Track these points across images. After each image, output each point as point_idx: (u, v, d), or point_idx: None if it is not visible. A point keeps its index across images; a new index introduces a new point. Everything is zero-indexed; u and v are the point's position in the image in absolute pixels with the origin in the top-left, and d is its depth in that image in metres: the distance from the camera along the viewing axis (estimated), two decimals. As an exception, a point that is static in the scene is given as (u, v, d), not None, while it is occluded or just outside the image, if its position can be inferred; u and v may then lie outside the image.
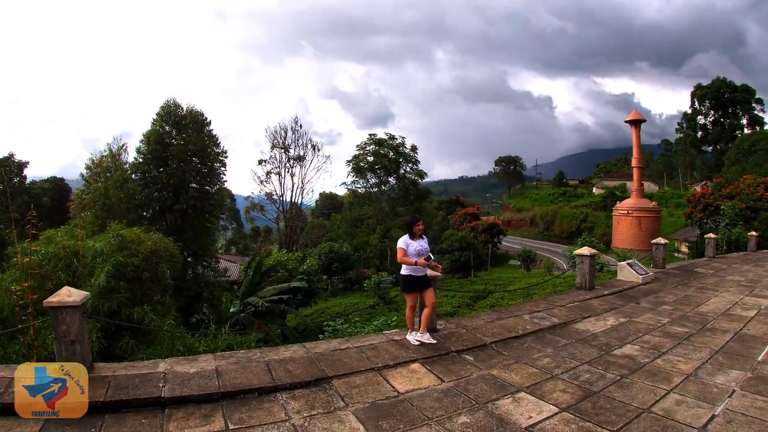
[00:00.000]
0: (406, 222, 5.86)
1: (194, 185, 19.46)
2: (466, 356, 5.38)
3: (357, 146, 35.53)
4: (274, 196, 40.56)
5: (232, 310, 20.93)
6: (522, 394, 4.35)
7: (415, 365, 5.12)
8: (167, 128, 18.83)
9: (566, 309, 7.22)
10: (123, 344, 9.30)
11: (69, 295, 4.69)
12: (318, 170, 40.93)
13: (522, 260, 37.04)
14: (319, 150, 41.49)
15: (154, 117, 19.03)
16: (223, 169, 20.78)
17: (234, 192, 53.25)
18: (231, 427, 3.94)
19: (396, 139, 34.00)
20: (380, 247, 33.49)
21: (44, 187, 31.44)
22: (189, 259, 20.74)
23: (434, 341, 5.61)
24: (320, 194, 49.38)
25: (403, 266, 5.66)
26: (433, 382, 4.70)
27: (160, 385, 4.49)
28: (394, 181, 35.67)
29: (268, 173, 40.09)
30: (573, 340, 5.93)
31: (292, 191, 41.06)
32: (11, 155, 35.58)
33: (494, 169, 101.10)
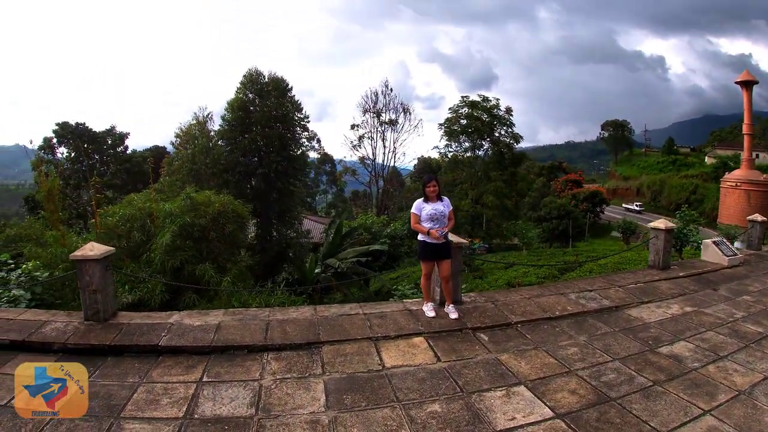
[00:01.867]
0: (421, 183, 5.38)
1: (276, 150, 20.33)
2: (481, 335, 4.83)
3: (450, 109, 34.10)
4: (367, 161, 41.33)
5: (316, 270, 21.89)
6: (520, 389, 3.72)
7: (418, 339, 4.72)
8: (250, 96, 19.74)
9: (624, 290, 6.16)
10: (186, 299, 10.08)
11: (92, 249, 5.05)
12: (410, 134, 40.95)
13: (622, 232, 33.72)
14: (410, 113, 41.34)
15: (238, 85, 20.04)
16: (305, 133, 21.48)
17: (336, 156, 55.12)
18: (205, 379, 3.97)
19: (490, 100, 31.98)
20: (472, 212, 32.48)
21: (145, 156, 34.87)
22: (273, 221, 22.02)
23: (455, 315, 5.11)
24: (418, 158, 49.11)
25: (419, 233, 5.21)
26: (427, 360, 4.27)
27: (162, 334, 4.68)
28: (488, 145, 34.10)
29: (361, 138, 40.74)
30: (617, 329, 5.01)
31: (384, 155, 41.54)
32: (113, 127, 38.98)
33: (601, 134, 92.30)
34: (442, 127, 33.97)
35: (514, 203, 35.34)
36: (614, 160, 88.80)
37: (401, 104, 41.12)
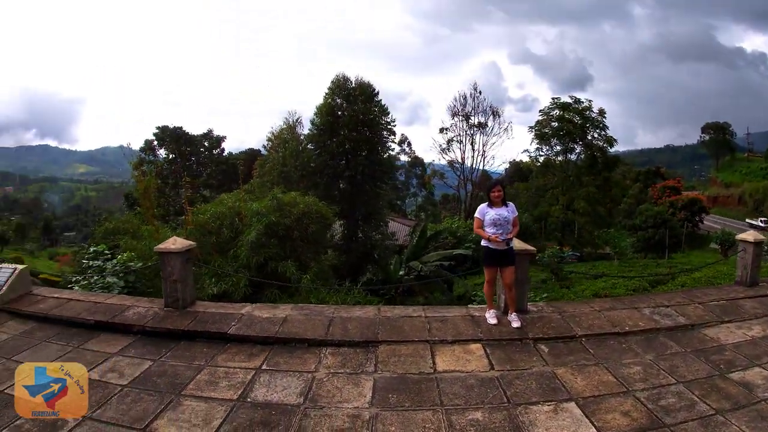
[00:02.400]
0: (485, 188, 5.18)
1: (363, 153, 20.97)
2: (541, 346, 4.49)
3: (540, 111, 32.58)
4: (456, 164, 40.96)
5: (400, 273, 22.14)
6: (569, 405, 3.37)
7: (475, 345, 4.52)
8: (338, 101, 20.60)
9: (704, 307, 5.34)
10: (268, 294, 10.70)
11: (173, 243, 5.59)
12: (499, 137, 39.91)
13: (720, 244, 29.64)
14: (499, 116, 40.28)
15: (326, 91, 21.01)
16: (392, 137, 21.97)
17: (427, 160, 55.47)
18: (264, 367, 4.20)
19: (582, 102, 29.98)
20: (563, 219, 30.74)
21: (240, 158, 37.35)
22: (359, 222, 22.69)
23: (518, 324, 4.83)
24: (510, 162, 47.90)
25: (482, 238, 5.02)
26: (480, 367, 4.07)
27: (232, 323, 5.03)
28: (580, 149, 32.09)
29: (450, 141, 40.43)
30: (688, 350, 4.35)
31: (473, 159, 40.92)
32: (210, 131, 41.76)
33: (701, 137, 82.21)
34: (533, 130, 32.53)
35: (607, 210, 32.81)
36: (715, 165, 78.92)
37: (490, 107, 40.14)
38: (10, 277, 5.75)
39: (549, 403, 3.42)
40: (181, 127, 38.30)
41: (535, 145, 33.14)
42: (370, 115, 20.37)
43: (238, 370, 4.15)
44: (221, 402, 3.58)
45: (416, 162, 54.29)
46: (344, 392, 3.69)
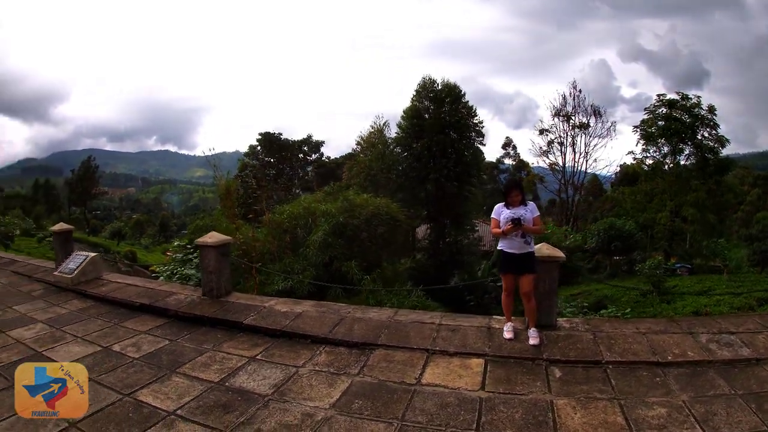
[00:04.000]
0: (503, 189, 4.75)
1: (450, 155, 20.60)
2: (555, 370, 3.95)
3: (645, 110, 28.96)
4: (557, 167, 38.54)
5: (489, 279, 21.43)
6: None
7: (476, 360, 4.13)
8: (426, 103, 20.56)
9: None
10: (332, 293, 11.02)
11: (210, 237, 6.08)
12: (602, 138, 36.81)
13: None
14: (601, 116, 37.15)
15: (413, 94, 21.09)
16: (479, 139, 21.35)
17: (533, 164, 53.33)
18: (259, 357, 4.38)
19: (690, 98, 26.01)
20: (670, 227, 27.22)
21: (338, 162, 38.93)
22: (446, 226, 22.28)
23: (535, 341, 4.30)
24: (620, 166, 44.14)
25: (499, 241, 4.63)
26: (470, 385, 3.70)
27: (250, 315, 5.32)
28: (689, 150, 28.29)
29: (550, 143, 38.15)
30: (740, 392, 3.41)
31: (574, 161, 38.18)
32: (309, 136, 44.27)
33: None
34: (637, 130, 29.29)
35: (717, 218, 28.18)
36: None
37: (591, 106, 36.95)
38: (83, 263, 6.77)
39: (530, 439, 3.01)
40: (280, 134, 41.56)
41: (640, 147, 29.87)
42: (457, 117, 19.99)
43: (234, 357, 4.37)
44: (202, 382, 3.81)
45: (521, 166, 52.11)
46: (315, 391, 3.66)
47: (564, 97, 36.78)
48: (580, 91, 36.68)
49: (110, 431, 3.08)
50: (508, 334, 4.48)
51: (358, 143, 23.56)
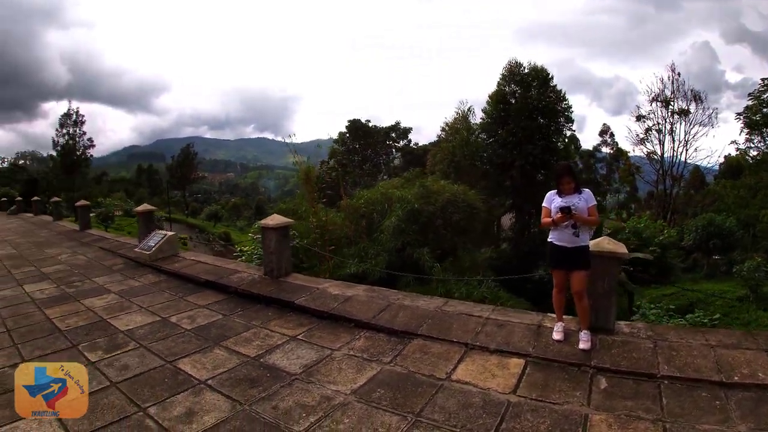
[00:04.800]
0: (554, 175, 4.27)
1: (537, 142, 19.31)
2: (601, 379, 3.49)
3: (749, 96, 24.86)
4: (654, 157, 34.81)
5: None
6: None
7: (516, 360, 3.81)
8: (513, 87, 19.45)
9: None
10: (403, 280, 11.03)
11: (272, 220, 6.36)
12: (703, 125, 32.38)
13: None
14: (702, 102, 32.54)
15: (498, 78, 20.03)
16: (568, 124, 19.75)
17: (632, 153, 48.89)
18: (299, 337, 4.52)
19: None
20: None
21: (426, 148, 37.98)
22: (532, 215, 21.00)
23: (586, 345, 3.86)
24: (725, 157, 38.69)
25: (549, 232, 4.21)
26: (502, 387, 3.42)
27: (303, 296, 5.52)
28: None
29: (648, 130, 34.38)
30: None
31: (673, 150, 34.19)
32: (398, 123, 44.59)
33: None
34: (741, 118, 25.21)
35: None
36: None
37: (691, 90, 32.33)
38: (161, 241, 7.49)
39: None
40: (368, 121, 42.36)
41: (744, 136, 25.78)
42: (545, 101, 18.58)
43: (277, 334, 4.54)
44: (239, 356, 4.01)
45: (620, 154, 47.74)
46: (342, 375, 3.64)
47: (662, 81, 32.74)
48: (679, 74, 32.38)
49: (144, 392, 3.38)
50: (557, 335, 4.10)
51: (443, 129, 23.12)
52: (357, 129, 40.72)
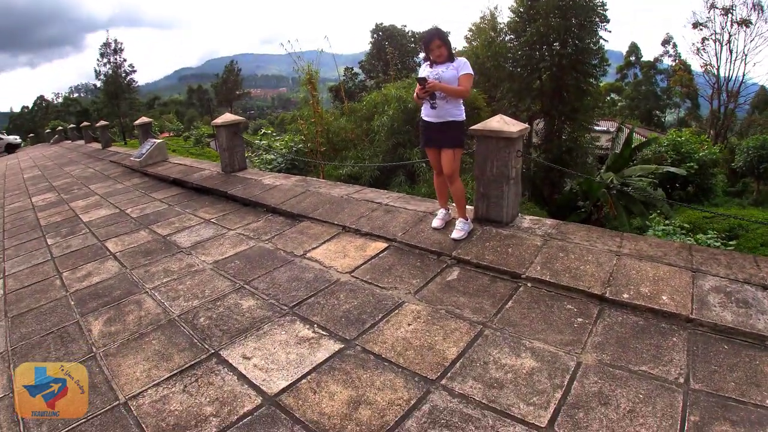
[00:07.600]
0: (422, 42, 3.79)
1: (569, 42, 17.36)
2: (455, 271, 3.37)
3: None
4: (710, 69, 31.22)
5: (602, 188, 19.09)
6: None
7: (379, 244, 3.87)
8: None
9: None
10: (395, 180, 11.35)
11: (222, 118, 6.85)
12: (761, 37, 28.44)
13: None
14: (763, 12, 27.94)
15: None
16: (603, 24, 17.40)
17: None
18: (213, 220, 5.12)
19: None
20: None
21: (456, 52, 35.13)
22: (562, 121, 19.53)
23: (458, 234, 3.72)
24: None
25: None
26: (344, 267, 3.61)
27: (238, 186, 6.06)
28: None
29: (704, 40, 30.67)
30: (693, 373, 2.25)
31: (730, 63, 30.42)
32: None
33: None
34: None
35: None
36: None
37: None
38: (150, 148, 8.33)
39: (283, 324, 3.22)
40: (393, 25, 39.43)
41: None
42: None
43: (195, 219, 5.24)
44: (154, 235, 4.84)
45: (682, 66, 42.26)
46: (218, 249, 4.15)
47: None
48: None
49: (68, 263, 4.37)
50: (436, 223, 4.03)
51: (470, 29, 21.39)
52: (380, 32, 38.51)
